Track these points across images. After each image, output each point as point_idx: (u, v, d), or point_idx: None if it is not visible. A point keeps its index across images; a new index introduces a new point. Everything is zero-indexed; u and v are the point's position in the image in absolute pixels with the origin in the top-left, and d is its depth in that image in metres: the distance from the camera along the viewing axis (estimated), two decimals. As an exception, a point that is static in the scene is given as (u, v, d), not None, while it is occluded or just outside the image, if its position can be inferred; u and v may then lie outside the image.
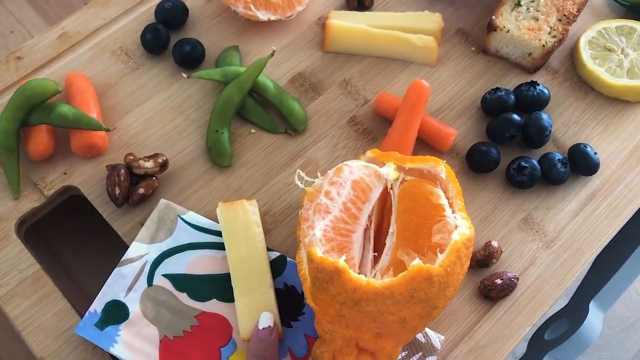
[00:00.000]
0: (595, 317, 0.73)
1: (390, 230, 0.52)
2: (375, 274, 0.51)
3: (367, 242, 0.53)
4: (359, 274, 0.49)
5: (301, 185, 0.54)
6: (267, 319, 0.50)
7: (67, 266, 0.63)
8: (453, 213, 0.51)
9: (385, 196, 0.54)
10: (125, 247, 0.58)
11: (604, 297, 0.73)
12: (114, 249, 0.59)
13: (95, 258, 0.64)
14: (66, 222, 0.65)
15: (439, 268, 0.46)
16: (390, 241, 0.52)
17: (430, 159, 0.53)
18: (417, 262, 0.45)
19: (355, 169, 0.52)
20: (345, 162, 0.52)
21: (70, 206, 0.62)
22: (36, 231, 0.63)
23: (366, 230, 0.53)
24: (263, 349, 0.49)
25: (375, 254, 0.53)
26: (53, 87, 0.58)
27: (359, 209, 0.51)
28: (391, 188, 0.53)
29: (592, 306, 0.73)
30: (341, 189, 0.51)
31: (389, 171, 0.53)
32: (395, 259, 0.51)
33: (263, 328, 0.50)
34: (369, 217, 0.53)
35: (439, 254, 0.47)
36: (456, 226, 0.49)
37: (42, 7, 0.80)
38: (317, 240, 0.48)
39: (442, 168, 0.52)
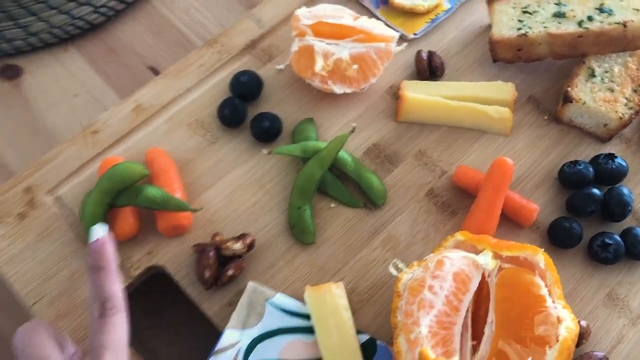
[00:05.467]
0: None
1: (489, 319, 0.52)
2: (475, 364, 0.51)
3: (464, 331, 0.53)
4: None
5: (395, 273, 0.54)
6: (98, 231, 0.47)
7: (143, 341, 0.63)
8: (553, 302, 0.51)
9: (481, 283, 0.54)
10: (205, 323, 0.58)
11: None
12: (192, 324, 0.60)
13: (171, 331, 0.64)
14: (138, 296, 0.65)
15: (552, 368, 0.46)
16: (489, 330, 0.52)
17: (528, 247, 0.53)
18: (531, 363, 0.45)
19: (456, 260, 0.52)
20: (445, 254, 0.52)
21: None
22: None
23: (464, 318, 0.53)
24: (98, 259, 0.46)
25: (474, 342, 0.53)
26: (140, 171, 0.58)
27: (459, 300, 0.51)
28: (488, 276, 0.53)
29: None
30: (443, 282, 0.51)
31: (487, 260, 0.53)
32: (495, 349, 0.51)
33: (94, 241, 0.46)
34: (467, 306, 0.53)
35: (548, 350, 0.48)
36: (559, 318, 0.50)
37: (104, 68, 0.81)
38: (423, 337, 0.48)
39: (540, 257, 0.52)
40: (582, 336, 0.57)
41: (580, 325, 0.58)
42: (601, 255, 0.61)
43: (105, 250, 0.46)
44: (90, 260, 0.46)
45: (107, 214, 0.60)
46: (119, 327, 0.45)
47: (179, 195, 0.61)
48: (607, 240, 0.60)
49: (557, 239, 0.62)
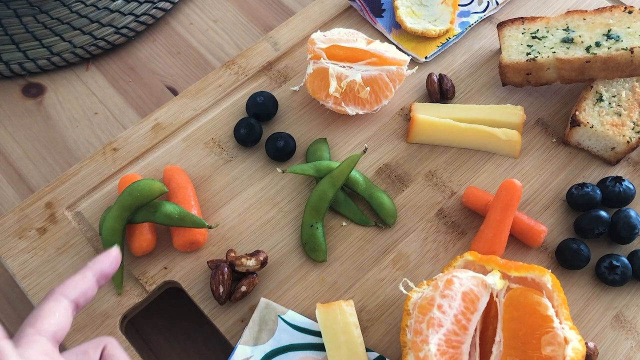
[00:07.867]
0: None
1: (497, 338, 0.53)
2: (483, 383, 0.52)
3: (473, 350, 0.54)
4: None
5: (405, 292, 0.55)
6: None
7: (160, 355, 0.64)
8: (560, 323, 0.52)
9: (489, 303, 0.55)
10: (220, 339, 0.59)
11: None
12: (205, 337, 0.60)
13: (185, 344, 0.65)
14: (155, 308, 0.66)
15: (558, 388, 0.47)
16: (497, 350, 0.53)
17: (535, 268, 0.54)
18: (537, 383, 0.46)
19: (465, 280, 0.53)
20: (454, 274, 0.53)
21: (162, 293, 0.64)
22: (130, 320, 0.64)
23: (472, 337, 0.54)
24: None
25: (482, 361, 0.54)
26: (160, 188, 0.60)
27: (468, 319, 0.52)
28: (496, 296, 0.54)
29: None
30: (452, 301, 0.52)
31: (496, 281, 0.54)
32: (503, 369, 0.52)
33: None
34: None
35: (554, 371, 0.48)
36: (565, 338, 0.50)
37: (123, 87, 0.83)
38: (432, 356, 0.50)
39: (548, 278, 0.53)
40: (590, 358, 0.58)
41: (588, 347, 0.58)
42: (609, 277, 0.61)
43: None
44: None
45: (125, 230, 0.62)
46: None
47: (195, 211, 0.63)
48: (615, 262, 0.61)
49: (565, 260, 0.63)
